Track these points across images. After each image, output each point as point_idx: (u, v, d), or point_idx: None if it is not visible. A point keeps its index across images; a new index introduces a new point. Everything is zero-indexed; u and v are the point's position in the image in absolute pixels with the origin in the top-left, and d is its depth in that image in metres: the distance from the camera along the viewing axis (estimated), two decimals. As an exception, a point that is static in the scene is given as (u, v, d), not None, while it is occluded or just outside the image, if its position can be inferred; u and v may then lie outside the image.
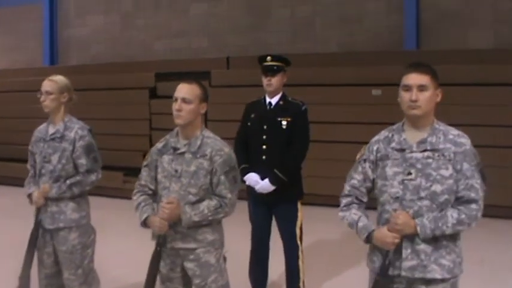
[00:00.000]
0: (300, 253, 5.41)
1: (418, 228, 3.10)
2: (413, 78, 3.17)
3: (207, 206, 3.73)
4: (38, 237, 4.59)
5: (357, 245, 7.20)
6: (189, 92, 3.76)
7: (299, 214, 5.38)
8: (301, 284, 5.43)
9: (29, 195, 4.61)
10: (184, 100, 3.73)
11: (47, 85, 4.59)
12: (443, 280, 3.17)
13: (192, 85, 3.81)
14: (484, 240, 6.67)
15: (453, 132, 3.24)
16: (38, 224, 4.57)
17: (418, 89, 3.14)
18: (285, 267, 5.50)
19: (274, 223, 5.45)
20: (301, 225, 5.40)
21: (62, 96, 4.59)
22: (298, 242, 5.40)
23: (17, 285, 4.63)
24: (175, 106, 3.76)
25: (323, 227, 8.38)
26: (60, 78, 4.65)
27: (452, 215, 3.11)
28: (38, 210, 4.58)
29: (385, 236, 3.16)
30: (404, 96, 3.19)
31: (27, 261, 4.60)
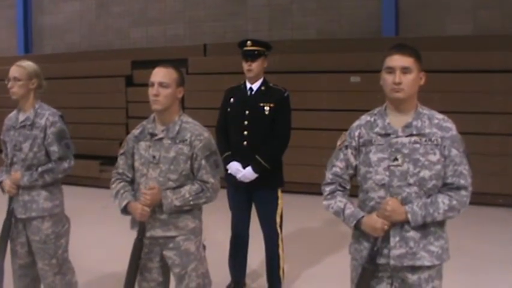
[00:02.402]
0: (279, 241, 5.38)
1: (409, 216, 3.03)
2: (397, 60, 3.08)
3: (188, 190, 3.66)
4: (11, 227, 4.50)
5: (336, 233, 7.21)
6: (166, 76, 3.69)
7: (279, 202, 5.34)
8: (281, 272, 5.42)
9: (0, 183, 4.51)
10: (161, 84, 3.66)
11: (14, 71, 4.44)
12: (429, 267, 3.13)
13: (168, 69, 3.73)
14: (469, 227, 6.70)
15: (438, 116, 3.18)
16: (10, 214, 4.47)
17: (402, 71, 3.06)
18: (265, 255, 5.46)
19: (254, 211, 5.39)
20: (281, 213, 5.37)
21: (30, 83, 4.44)
22: (278, 230, 5.36)
23: None
24: (152, 91, 3.67)
25: (303, 215, 8.38)
26: (28, 64, 4.51)
27: (443, 201, 3.06)
28: (10, 199, 4.48)
29: (375, 221, 3.08)
30: (387, 79, 3.11)
31: (1, 251, 4.50)
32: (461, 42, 9.88)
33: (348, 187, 3.32)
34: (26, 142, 4.39)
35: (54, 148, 4.41)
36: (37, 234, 4.45)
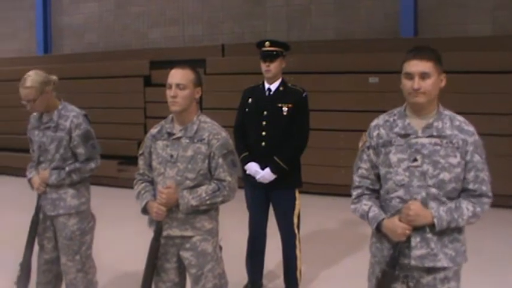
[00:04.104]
0: (297, 242, 5.37)
1: (436, 220, 3.00)
2: (415, 66, 3.03)
3: (205, 190, 3.66)
4: (39, 222, 4.58)
5: (354, 234, 7.18)
6: (183, 78, 3.68)
7: (297, 203, 5.33)
8: (298, 273, 5.41)
9: (29, 180, 4.60)
10: (178, 86, 3.65)
11: (25, 94, 4.37)
12: (445, 268, 3.11)
13: (185, 70, 3.72)
14: (482, 229, 6.62)
15: (459, 118, 3.14)
16: (38, 210, 4.57)
17: (421, 77, 3.02)
18: (282, 256, 5.46)
19: (271, 212, 5.39)
20: (298, 213, 5.36)
21: (44, 93, 4.41)
22: (296, 231, 5.36)
23: (18, 272, 4.64)
24: (170, 93, 3.68)
25: (321, 216, 8.35)
26: (34, 80, 4.37)
27: (467, 207, 3.04)
28: (39, 196, 4.57)
29: (396, 226, 3.05)
30: (406, 84, 3.07)
31: (28, 246, 4.60)
32: (481, 43, 9.78)
33: (377, 187, 3.27)
34: (52, 144, 4.45)
35: (80, 150, 4.48)
36: (63, 230, 4.53)
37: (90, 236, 4.68)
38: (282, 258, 5.48)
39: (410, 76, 3.05)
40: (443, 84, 3.13)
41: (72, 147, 4.48)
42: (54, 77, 4.53)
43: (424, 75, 3.02)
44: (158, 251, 3.75)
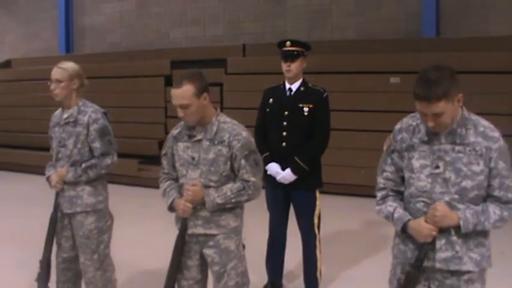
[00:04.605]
0: (317, 242, 5.35)
1: (462, 222, 2.96)
2: (425, 108, 2.91)
3: (230, 188, 3.67)
4: (57, 220, 4.60)
5: (375, 235, 7.14)
6: (183, 97, 3.58)
7: (317, 203, 5.31)
8: (318, 273, 5.39)
9: (47, 178, 4.62)
10: (181, 106, 3.60)
11: (56, 73, 4.50)
12: (468, 272, 3.07)
13: (182, 88, 3.59)
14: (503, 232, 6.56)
15: (483, 123, 3.07)
16: (56, 208, 4.59)
17: (434, 116, 2.92)
18: (302, 256, 5.44)
19: (292, 212, 5.38)
20: (319, 214, 5.34)
21: (72, 83, 4.49)
22: (316, 231, 5.34)
23: (38, 269, 4.67)
24: (178, 113, 3.64)
25: (341, 217, 8.31)
26: (69, 65, 4.56)
27: (494, 211, 3.01)
28: (57, 194, 4.59)
29: (422, 227, 3.02)
30: (421, 116, 3.00)
31: (48, 244, 4.63)
32: (503, 43, 9.70)
33: (402, 189, 3.24)
34: (70, 139, 4.49)
35: (96, 144, 4.49)
36: (80, 229, 4.54)
37: (107, 234, 4.69)
38: (302, 259, 5.46)
39: (423, 113, 2.97)
40: (461, 104, 3.01)
41: (89, 141, 4.49)
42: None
43: (436, 115, 2.91)
44: (183, 248, 3.77)
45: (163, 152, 3.96)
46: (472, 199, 3.01)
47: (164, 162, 3.94)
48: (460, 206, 3.00)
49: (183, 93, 3.58)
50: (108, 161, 4.54)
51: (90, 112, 4.52)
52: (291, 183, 5.18)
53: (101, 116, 4.55)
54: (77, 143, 4.48)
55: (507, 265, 5.82)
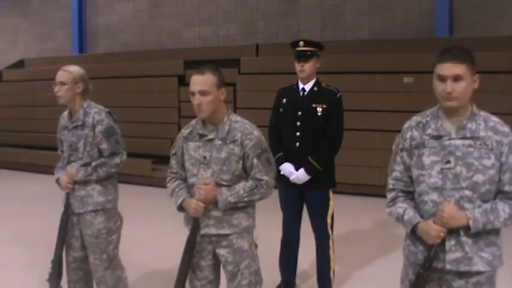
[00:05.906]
0: (330, 242, 5.35)
1: (471, 222, 2.95)
2: (448, 69, 2.96)
3: (242, 187, 3.67)
4: (68, 220, 4.61)
5: (388, 235, 7.13)
6: (205, 83, 3.63)
7: (331, 203, 5.31)
8: (331, 273, 5.39)
9: (57, 181, 4.63)
10: (201, 93, 3.62)
11: (60, 75, 4.52)
12: (478, 273, 3.06)
13: (205, 75, 3.65)
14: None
15: (493, 118, 3.08)
16: (67, 207, 4.60)
17: (453, 80, 2.95)
18: (315, 256, 5.44)
19: (305, 212, 5.38)
20: (332, 214, 5.34)
21: (76, 87, 4.51)
22: (329, 231, 5.34)
23: (49, 269, 4.68)
24: (194, 101, 3.66)
25: (354, 216, 8.32)
26: (74, 69, 4.56)
27: (504, 209, 2.99)
28: (68, 194, 4.60)
29: (430, 228, 3.02)
30: (439, 86, 3.01)
31: (59, 244, 4.64)
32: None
33: (411, 189, 3.23)
34: (80, 142, 4.51)
35: (104, 146, 4.51)
36: (89, 228, 4.55)
37: (116, 235, 4.70)
38: (315, 258, 5.46)
39: (442, 78, 2.98)
40: (476, 85, 3.05)
41: (96, 143, 4.51)
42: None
43: (457, 78, 2.95)
44: (194, 248, 3.77)
45: (172, 151, 3.96)
46: (484, 194, 3.00)
47: (173, 162, 3.94)
48: (469, 205, 2.99)
49: (205, 79, 3.63)
50: (117, 160, 4.55)
51: (93, 113, 4.53)
52: (305, 183, 5.18)
53: (105, 116, 4.56)
54: (86, 146, 4.50)
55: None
